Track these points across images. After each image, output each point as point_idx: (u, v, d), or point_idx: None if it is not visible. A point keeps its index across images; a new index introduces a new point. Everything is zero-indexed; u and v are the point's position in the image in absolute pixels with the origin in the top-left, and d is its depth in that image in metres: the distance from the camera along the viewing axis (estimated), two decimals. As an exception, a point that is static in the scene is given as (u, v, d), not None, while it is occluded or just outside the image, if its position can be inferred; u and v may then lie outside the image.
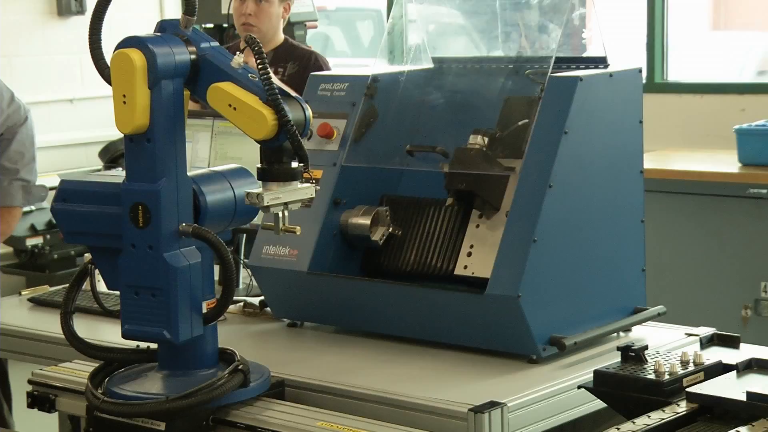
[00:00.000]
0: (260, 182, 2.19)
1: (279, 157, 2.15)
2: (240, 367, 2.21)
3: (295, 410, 2.24)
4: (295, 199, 2.18)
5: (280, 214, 2.19)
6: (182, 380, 2.23)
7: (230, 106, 2.13)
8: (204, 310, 2.23)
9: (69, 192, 2.28)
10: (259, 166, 2.18)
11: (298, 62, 4.19)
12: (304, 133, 2.17)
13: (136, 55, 2.14)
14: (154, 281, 2.17)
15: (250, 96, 2.13)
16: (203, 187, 2.23)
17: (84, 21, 6.83)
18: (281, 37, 4.26)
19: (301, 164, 2.16)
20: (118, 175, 2.28)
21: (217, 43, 2.24)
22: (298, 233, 2.21)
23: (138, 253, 2.17)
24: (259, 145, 2.17)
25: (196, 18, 2.21)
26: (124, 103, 2.14)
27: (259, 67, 2.11)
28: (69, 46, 6.78)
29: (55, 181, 7.19)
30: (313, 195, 2.20)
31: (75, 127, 6.75)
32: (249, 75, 2.15)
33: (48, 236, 6.11)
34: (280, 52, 4.21)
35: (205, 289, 2.23)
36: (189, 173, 2.25)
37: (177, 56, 2.17)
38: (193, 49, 2.19)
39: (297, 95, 2.19)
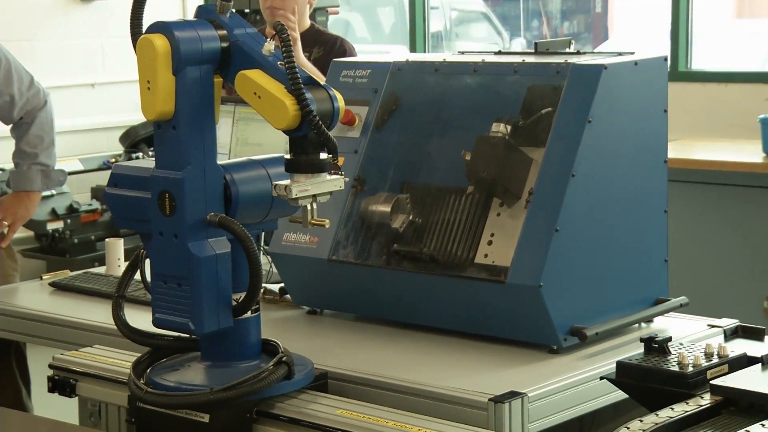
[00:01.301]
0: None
1: (304, 148, 2.10)
2: (284, 359, 2.17)
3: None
4: (324, 191, 2.13)
5: (309, 207, 2.13)
6: (225, 371, 2.20)
7: (255, 94, 2.09)
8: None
9: (119, 177, 2.25)
10: (287, 157, 2.14)
11: (323, 47, 4.19)
12: (332, 124, 2.12)
13: (160, 41, 2.11)
14: (179, 270, 2.14)
15: (276, 84, 2.09)
16: (236, 177, 2.18)
17: (106, 6, 6.84)
18: (307, 22, 4.26)
19: (330, 155, 2.12)
20: None
21: (254, 30, 2.19)
22: (327, 226, 2.17)
23: (165, 242, 2.15)
24: (280, 132, 2.15)
25: (232, 3, 2.18)
26: (149, 89, 2.11)
27: (285, 55, 2.06)
28: (91, 30, 6.80)
29: (75, 166, 7.18)
30: (342, 187, 2.16)
31: (96, 111, 6.77)
32: (279, 63, 2.10)
33: (69, 221, 6.13)
34: (306, 37, 4.21)
35: (239, 280, 2.18)
36: (224, 162, 2.20)
37: (204, 42, 2.13)
38: (225, 35, 2.15)
39: (327, 85, 2.14)
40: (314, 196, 2.13)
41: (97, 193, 6.40)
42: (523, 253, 2.40)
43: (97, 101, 6.81)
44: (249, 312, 2.22)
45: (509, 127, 2.52)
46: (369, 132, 2.70)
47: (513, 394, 2.18)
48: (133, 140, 6.38)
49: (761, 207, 4.84)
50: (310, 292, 2.76)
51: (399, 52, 7.03)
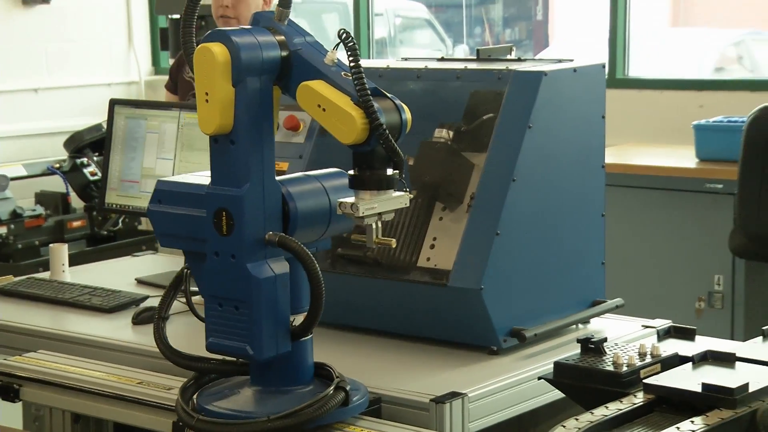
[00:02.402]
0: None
1: (371, 163, 1.99)
2: (340, 383, 2.08)
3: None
4: (390, 209, 2.03)
5: (374, 225, 2.03)
6: (280, 398, 2.09)
7: (319, 106, 1.97)
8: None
9: (163, 193, 2.12)
10: (351, 172, 2.03)
11: None
12: (399, 137, 2.01)
13: (219, 49, 1.98)
14: (236, 293, 2.02)
15: (341, 96, 1.97)
16: (293, 192, 2.07)
17: (49, 10, 6.77)
18: None
19: (396, 171, 2.01)
20: None
21: (313, 38, 2.08)
22: (393, 245, 2.07)
23: (221, 262, 2.02)
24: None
25: (290, 10, 2.07)
26: (207, 101, 1.99)
27: (352, 64, 1.95)
28: (34, 35, 6.72)
29: (19, 171, 7.06)
30: (407, 204, 2.05)
31: (40, 116, 6.70)
32: (342, 73, 2.00)
33: (12, 226, 6.05)
34: None
35: (298, 302, 2.09)
36: (280, 177, 2.09)
37: (265, 51, 2.01)
38: (285, 43, 2.04)
39: (393, 96, 2.02)
40: (380, 214, 2.03)
41: (41, 198, 6.33)
42: (465, 256, 2.44)
43: (40, 106, 6.73)
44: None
45: (452, 133, 2.56)
46: (314, 137, 2.73)
47: (454, 395, 2.21)
48: (77, 145, 6.32)
49: (694, 211, 4.96)
50: (255, 295, 2.76)
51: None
